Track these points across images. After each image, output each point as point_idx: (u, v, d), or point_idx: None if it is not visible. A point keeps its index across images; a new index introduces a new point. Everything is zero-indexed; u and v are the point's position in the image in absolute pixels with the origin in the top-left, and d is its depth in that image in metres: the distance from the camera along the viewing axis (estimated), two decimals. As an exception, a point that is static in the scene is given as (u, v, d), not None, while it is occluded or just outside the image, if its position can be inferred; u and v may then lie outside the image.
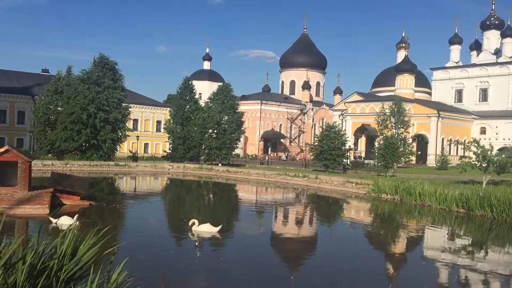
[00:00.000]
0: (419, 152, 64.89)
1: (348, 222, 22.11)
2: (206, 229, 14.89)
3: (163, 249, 13.22)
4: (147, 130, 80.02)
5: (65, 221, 14.79)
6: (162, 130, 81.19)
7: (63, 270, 4.88)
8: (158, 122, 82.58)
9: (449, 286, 11.98)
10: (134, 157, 48.78)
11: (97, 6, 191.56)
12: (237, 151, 62.43)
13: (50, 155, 46.68)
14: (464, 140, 70.96)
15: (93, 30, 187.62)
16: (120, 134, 45.98)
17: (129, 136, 49.79)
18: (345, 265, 13.06)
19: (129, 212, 21.42)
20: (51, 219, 15.42)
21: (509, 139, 68.93)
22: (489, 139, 64.70)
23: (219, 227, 15.11)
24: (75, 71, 51.91)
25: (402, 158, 48.45)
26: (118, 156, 49.71)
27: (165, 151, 64.31)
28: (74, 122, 42.66)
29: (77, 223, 14.49)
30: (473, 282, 12.50)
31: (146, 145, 78.34)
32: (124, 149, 55.22)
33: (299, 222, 22.01)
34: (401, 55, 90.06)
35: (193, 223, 14.95)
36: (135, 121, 75.38)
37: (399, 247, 17.15)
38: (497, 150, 46.91)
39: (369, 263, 13.51)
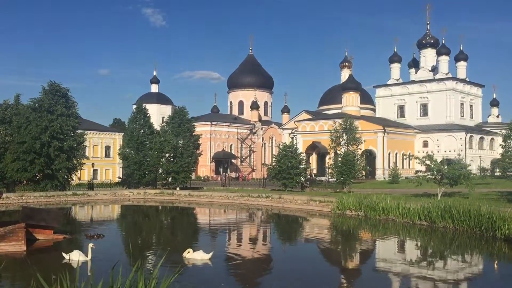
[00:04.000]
0: (368, 167, 67.26)
1: (322, 240, 22.82)
2: (199, 257, 15.13)
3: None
4: (96, 156, 78.07)
5: (77, 257, 14.66)
6: (111, 155, 79.64)
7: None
8: (107, 148, 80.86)
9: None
10: (90, 185, 47.57)
11: (36, 30, 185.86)
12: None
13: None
14: (409, 154, 74.39)
15: (30, 54, 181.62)
16: (76, 162, 44.79)
17: (84, 163, 48.59)
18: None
19: (116, 243, 20.96)
20: (63, 254, 15.17)
21: (449, 151, 72.90)
22: (431, 152, 67.97)
23: (211, 254, 15.38)
24: (21, 98, 50.22)
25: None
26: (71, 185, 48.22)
27: (119, 177, 62.98)
28: (27, 152, 41.20)
29: (90, 257, 14.41)
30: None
31: (95, 171, 76.37)
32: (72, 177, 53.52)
33: (280, 243, 22.73)
34: (345, 73, 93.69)
35: (188, 252, 15.19)
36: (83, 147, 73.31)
37: (369, 261, 18.11)
38: (439, 162, 49.77)
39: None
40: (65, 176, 43.72)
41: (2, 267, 14.88)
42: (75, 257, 14.69)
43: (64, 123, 42.86)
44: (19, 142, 41.60)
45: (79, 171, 48.87)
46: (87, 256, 14.80)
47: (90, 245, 15.12)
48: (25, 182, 44.08)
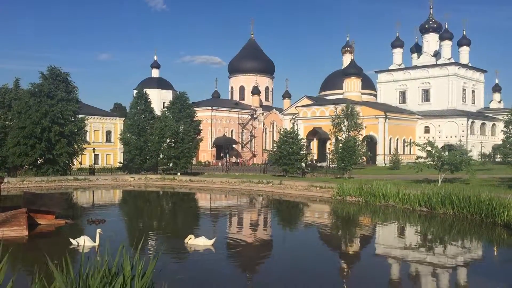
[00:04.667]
0: (369, 153, 67.18)
1: (322, 226, 22.88)
2: (202, 242, 15.18)
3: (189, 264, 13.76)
4: (97, 141, 78.15)
5: (85, 242, 14.71)
6: (112, 140, 79.70)
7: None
8: (108, 132, 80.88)
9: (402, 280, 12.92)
10: (91, 170, 47.75)
11: (35, 14, 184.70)
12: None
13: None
14: (410, 140, 74.33)
15: (30, 38, 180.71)
16: (77, 147, 44.87)
17: (85, 148, 48.69)
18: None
19: (117, 228, 21.03)
20: (71, 240, 15.24)
21: (451, 137, 72.72)
22: (433, 138, 67.67)
23: (213, 239, 15.44)
24: (20, 82, 50.10)
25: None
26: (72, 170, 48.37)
27: (121, 162, 63.15)
28: (27, 137, 41.26)
29: (98, 243, 14.46)
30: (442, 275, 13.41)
31: (96, 156, 76.47)
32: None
33: (281, 229, 22.91)
34: (346, 59, 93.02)
35: (190, 238, 15.25)
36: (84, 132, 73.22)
37: (369, 246, 18.30)
38: (440, 148, 49.70)
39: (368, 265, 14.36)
40: (66, 161, 43.88)
41: (4, 252, 14.99)
42: (83, 242, 14.75)
43: (64, 108, 42.87)
44: (20, 127, 41.67)
45: (80, 156, 49.01)
46: (94, 241, 14.85)
47: (98, 230, 15.16)
48: (26, 167, 44.26)
